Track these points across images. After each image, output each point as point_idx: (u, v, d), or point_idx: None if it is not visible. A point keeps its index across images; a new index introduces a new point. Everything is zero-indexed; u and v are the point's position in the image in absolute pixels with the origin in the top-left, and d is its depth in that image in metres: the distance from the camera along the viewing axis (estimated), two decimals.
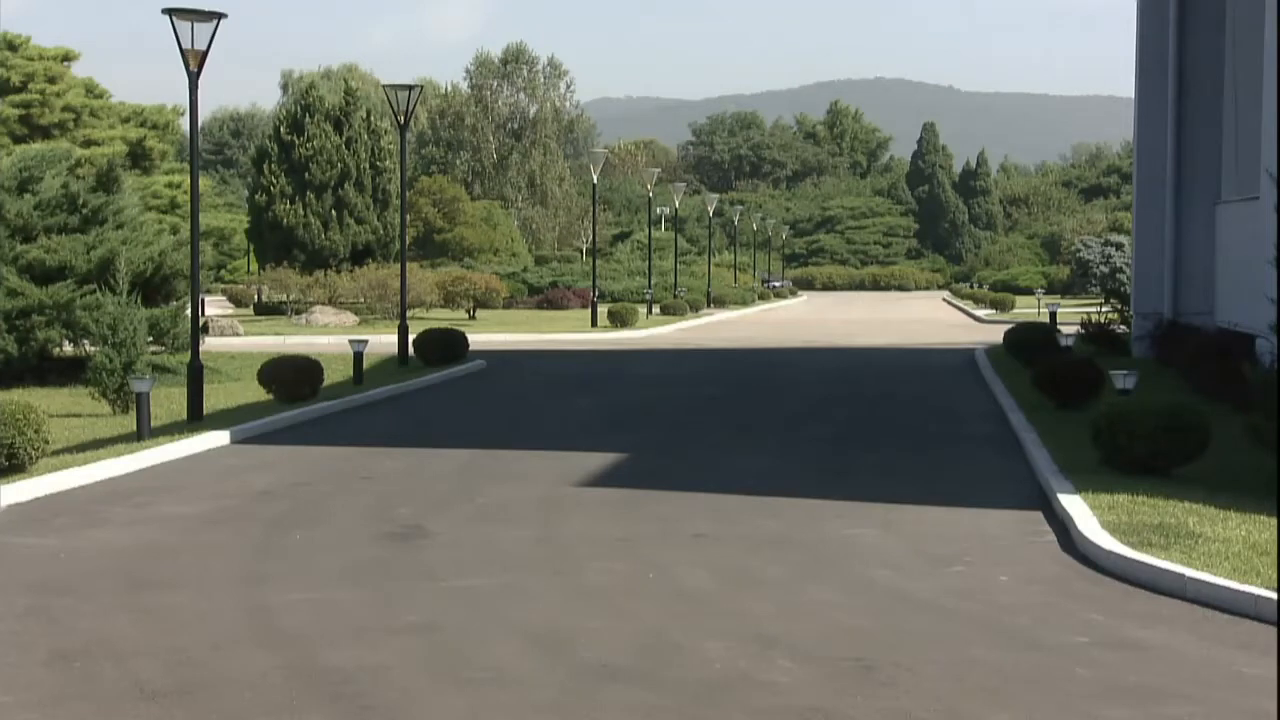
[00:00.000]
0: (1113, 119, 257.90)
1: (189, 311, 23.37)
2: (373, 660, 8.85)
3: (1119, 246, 76.94)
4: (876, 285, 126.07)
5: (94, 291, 25.59)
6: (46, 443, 16.04)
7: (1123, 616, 9.92)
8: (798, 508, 14.06)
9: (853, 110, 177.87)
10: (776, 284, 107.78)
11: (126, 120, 64.97)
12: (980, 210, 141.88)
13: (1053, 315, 41.09)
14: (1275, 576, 10.24)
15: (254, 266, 72.29)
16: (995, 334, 39.19)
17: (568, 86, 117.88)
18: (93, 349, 23.78)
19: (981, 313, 66.86)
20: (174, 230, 52.68)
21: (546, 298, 66.60)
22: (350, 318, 50.92)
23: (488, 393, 26.39)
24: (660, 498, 14.66)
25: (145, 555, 11.99)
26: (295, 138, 60.49)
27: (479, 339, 38.19)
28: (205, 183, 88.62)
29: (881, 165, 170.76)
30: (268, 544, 12.44)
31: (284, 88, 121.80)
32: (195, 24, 20.11)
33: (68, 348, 27.51)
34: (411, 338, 31.23)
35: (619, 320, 49.60)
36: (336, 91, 71.92)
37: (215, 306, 66.40)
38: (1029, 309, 65.41)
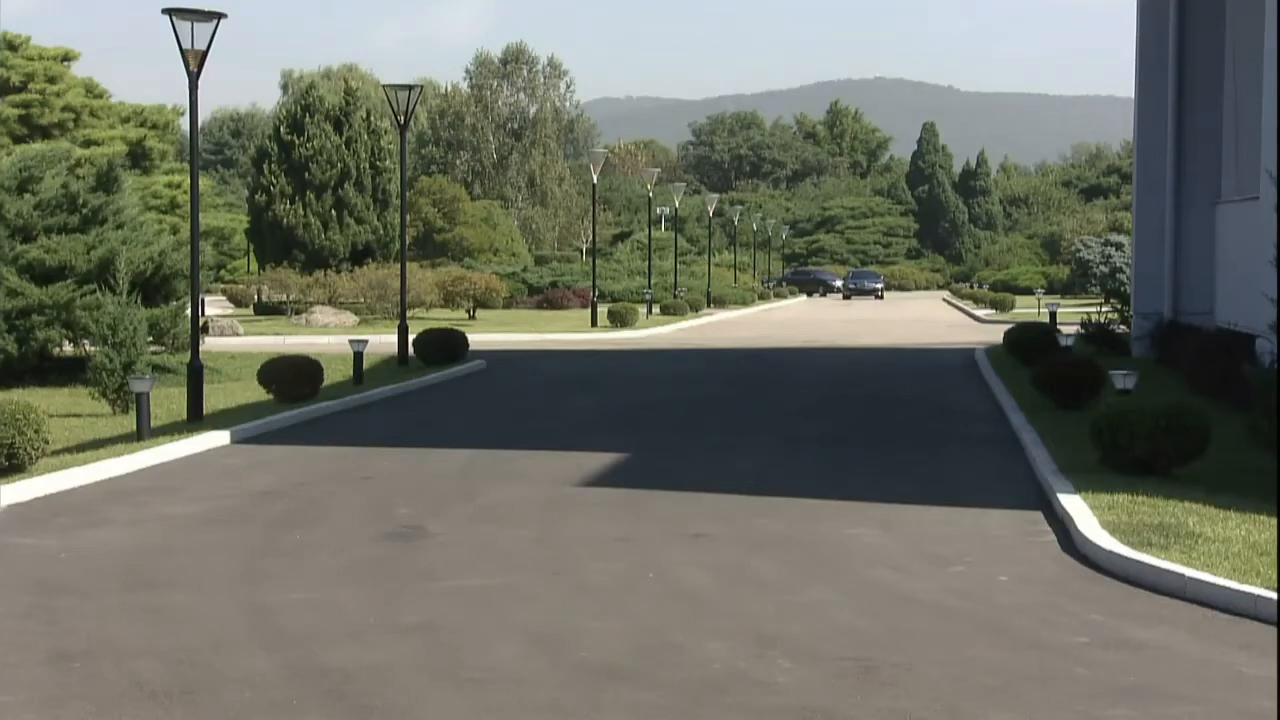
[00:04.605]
0: (1113, 119, 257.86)
1: (189, 311, 23.37)
2: (373, 660, 8.85)
3: (1119, 246, 76.89)
4: None
5: (94, 291, 25.58)
6: (46, 443, 16.04)
7: (1123, 616, 9.92)
8: (798, 508, 14.06)
9: (853, 110, 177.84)
10: (873, 282, 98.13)
11: (126, 120, 64.92)
12: (980, 210, 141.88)
13: (1053, 315, 41.08)
14: (1275, 576, 10.24)
15: (254, 266, 72.29)
16: (995, 334, 39.19)
17: (568, 86, 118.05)
18: (93, 349, 23.76)
19: (981, 313, 66.84)
20: (174, 230, 52.79)
21: (546, 298, 66.54)
22: (350, 318, 50.90)
23: (488, 393, 26.39)
24: (660, 498, 14.66)
25: (145, 555, 11.99)
26: (295, 138, 60.47)
27: (479, 339, 38.19)
28: (205, 183, 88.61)
29: (881, 165, 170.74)
30: (268, 544, 12.44)
31: (284, 88, 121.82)
32: (195, 24, 20.12)
33: (68, 348, 27.50)
34: (411, 338, 31.24)
35: (619, 320, 49.59)
36: (336, 91, 71.91)
37: (215, 306, 66.36)
38: (1029, 309, 65.40)
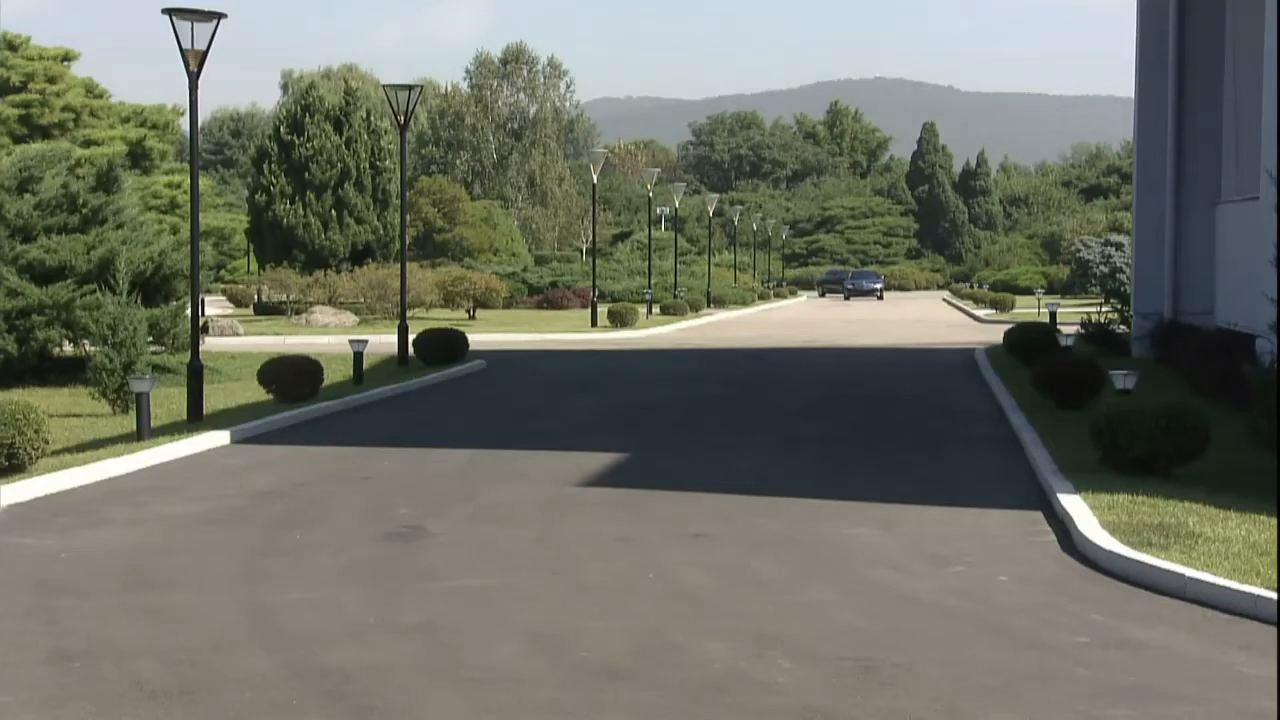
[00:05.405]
0: (1113, 119, 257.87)
1: (189, 311, 23.37)
2: (373, 660, 8.85)
3: (1119, 246, 76.86)
4: None
5: (94, 291, 25.58)
6: (46, 443, 16.04)
7: (1123, 616, 9.92)
8: (798, 508, 14.06)
9: (853, 110, 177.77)
10: (873, 282, 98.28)
11: (126, 120, 64.92)
12: (980, 210, 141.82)
13: (1053, 315, 41.08)
14: (1275, 576, 10.24)
15: (254, 266, 72.27)
16: (995, 334, 39.18)
17: (567, 86, 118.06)
18: (93, 349, 23.77)
19: (981, 313, 66.83)
20: (174, 230, 52.77)
21: (546, 298, 66.53)
22: (350, 318, 50.91)
23: (487, 393, 26.39)
24: (660, 498, 14.66)
25: (145, 555, 11.99)
26: (295, 138, 60.47)
27: (479, 339, 38.19)
28: (205, 183, 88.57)
29: (881, 165, 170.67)
30: (268, 544, 12.44)
31: (284, 88, 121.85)
32: (195, 24, 20.12)
33: (68, 348, 27.50)
34: (411, 338, 31.24)
35: (619, 320, 49.58)
36: (336, 91, 71.90)
37: (215, 306, 66.36)
38: (1029, 309, 65.39)
